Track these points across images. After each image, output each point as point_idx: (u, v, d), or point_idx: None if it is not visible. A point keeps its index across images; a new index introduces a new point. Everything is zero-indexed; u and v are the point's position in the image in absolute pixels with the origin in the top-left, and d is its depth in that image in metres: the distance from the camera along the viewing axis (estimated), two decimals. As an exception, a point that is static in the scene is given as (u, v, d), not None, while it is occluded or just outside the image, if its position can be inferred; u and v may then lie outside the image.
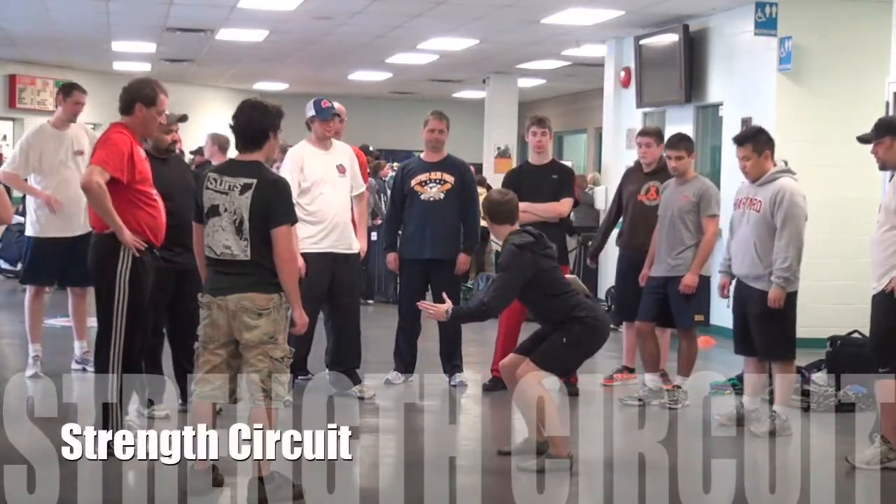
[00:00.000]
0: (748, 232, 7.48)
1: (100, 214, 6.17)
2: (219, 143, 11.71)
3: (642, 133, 9.18)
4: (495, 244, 17.00)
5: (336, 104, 8.93)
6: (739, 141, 7.61)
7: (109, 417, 6.24)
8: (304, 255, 7.84)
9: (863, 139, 6.90)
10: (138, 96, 6.37)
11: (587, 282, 14.78)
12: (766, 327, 7.45)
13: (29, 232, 8.71)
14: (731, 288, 7.76)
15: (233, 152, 12.22)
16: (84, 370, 8.47)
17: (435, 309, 6.53)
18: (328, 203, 8.13)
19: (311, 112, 8.27)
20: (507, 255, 6.45)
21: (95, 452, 6.26)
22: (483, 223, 9.80)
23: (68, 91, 8.54)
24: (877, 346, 6.72)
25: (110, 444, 6.24)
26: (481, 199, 7.54)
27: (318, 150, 8.23)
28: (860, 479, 6.57)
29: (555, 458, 6.37)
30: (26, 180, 8.69)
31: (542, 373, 6.46)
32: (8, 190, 6.33)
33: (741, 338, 7.65)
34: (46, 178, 8.46)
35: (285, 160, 8.35)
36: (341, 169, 8.26)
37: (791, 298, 7.45)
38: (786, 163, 7.69)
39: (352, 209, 8.39)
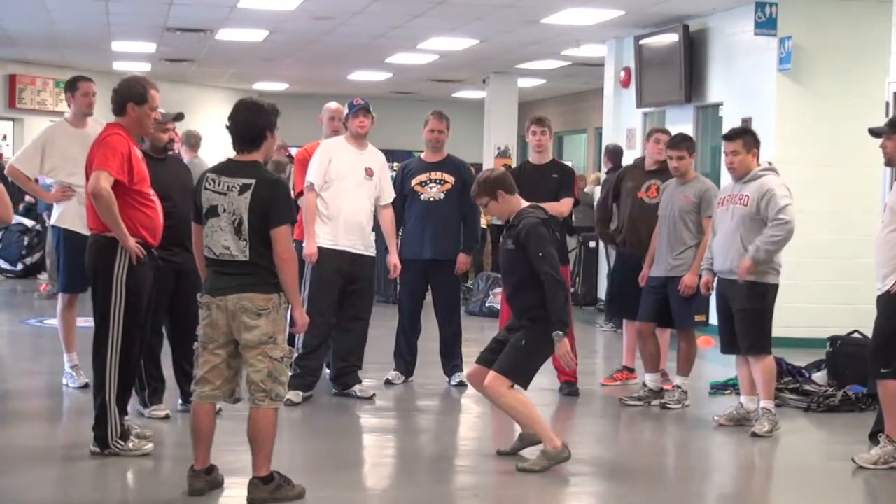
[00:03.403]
0: (733, 226, 7.51)
1: (106, 221, 6.14)
2: (188, 141, 11.65)
3: (661, 130, 9.19)
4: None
5: (334, 104, 8.97)
6: (730, 136, 7.68)
7: (107, 418, 6.24)
8: (319, 248, 7.90)
9: (874, 132, 6.91)
10: (129, 95, 6.36)
11: (587, 282, 14.83)
12: (749, 321, 7.46)
13: (57, 222, 8.17)
14: (714, 284, 7.81)
15: (209, 150, 12.31)
16: None
17: (565, 354, 6.45)
18: (346, 201, 8.15)
19: (345, 111, 8.39)
20: (534, 229, 6.41)
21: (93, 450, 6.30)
22: (483, 224, 9.83)
23: (73, 85, 8.30)
24: (879, 346, 6.71)
25: (106, 443, 6.26)
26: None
27: (351, 148, 8.27)
28: (866, 479, 6.56)
29: (550, 452, 6.37)
30: (37, 180, 8.45)
31: (507, 382, 6.45)
32: (7, 187, 6.22)
33: (727, 337, 7.66)
34: (68, 179, 8.06)
35: (317, 150, 8.35)
36: (369, 172, 8.29)
37: (772, 293, 7.48)
38: (770, 163, 7.72)
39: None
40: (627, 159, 13.59)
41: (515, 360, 6.44)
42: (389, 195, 8.47)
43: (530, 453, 6.53)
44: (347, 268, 8.12)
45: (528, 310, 6.46)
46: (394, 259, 8.48)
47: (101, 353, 6.22)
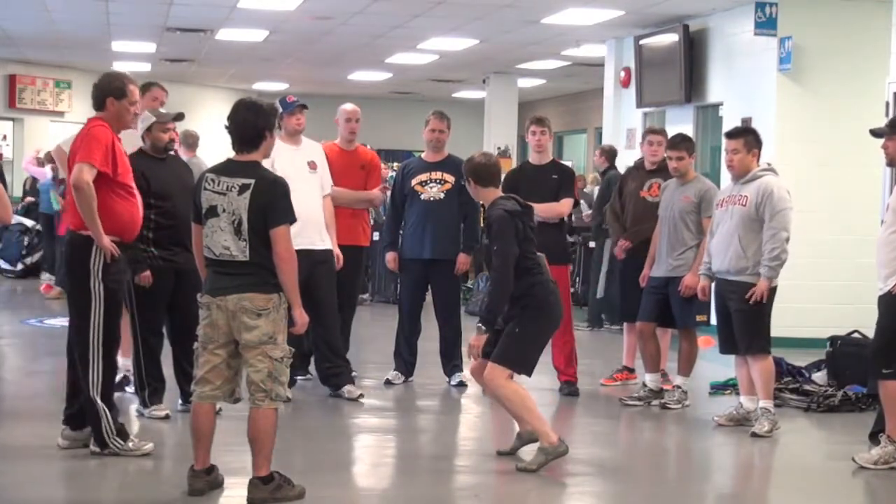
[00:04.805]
0: (732, 226, 7.51)
1: (83, 214, 6.14)
2: (185, 141, 11.61)
3: (654, 131, 9.21)
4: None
5: (350, 105, 8.93)
6: (732, 134, 7.69)
7: (98, 417, 6.21)
8: None
9: (876, 132, 6.91)
10: (108, 90, 6.38)
11: (587, 282, 14.80)
12: (748, 321, 7.46)
13: None
14: (712, 289, 7.80)
15: (205, 150, 12.31)
16: (123, 391, 7.96)
17: (475, 343, 6.46)
18: (299, 200, 8.05)
19: (279, 109, 8.28)
20: (498, 221, 6.39)
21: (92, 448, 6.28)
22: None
23: (147, 87, 8.09)
24: (880, 347, 6.69)
25: (105, 442, 6.24)
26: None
27: (289, 146, 8.18)
28: (866, 479, 6.56)
29: (547, 447, 6.37)
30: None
31: (505, 371, 6.44)
32: (5, 186, 6.24)
33: (725, 337, 7.65)
34: None
35: None
36: (312, 165, 8.21)
37: (771, 293, 7.46)
38: (769, 164, 7.73)
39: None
40: (626, 160, 13.59)
41: (510, 348, 6.43)
42: (328, 186, 8.36)
43: (529, 452, 6.53)
44: (308, 265, 8.04)
45: (520, 298, 6.46)
46: (337, 250, 8.30)
47: (84, 351, 6.21)
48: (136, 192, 6.46)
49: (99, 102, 6.40)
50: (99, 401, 6.20)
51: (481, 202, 6.74)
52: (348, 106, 8.94)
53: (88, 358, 6.21)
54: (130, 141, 7.39)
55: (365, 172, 8.85)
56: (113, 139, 6.26)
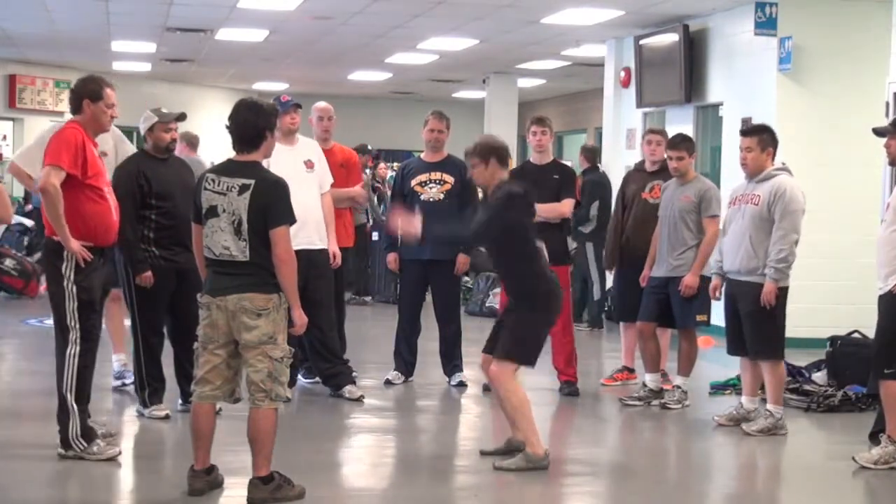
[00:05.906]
0: (743, 225, 7.47)
1: (50, 218, 6.12)
2: (187, 140, 11.63)
3: (653, 131, 9.22)
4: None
5: (322, 103, 8.91)
6: (746, 132, 7.64)
7: (68, 416, 6.19)
8: None
9: (878, 131, 6.89)
10: (84, 93, 6.38)
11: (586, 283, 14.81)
12: (757, 324, 7.42)
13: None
14: (723, 289, 7.78)
15: (207, 150, 12.31)
16: (123, 385, 8.13)
17: (408, 226, 6.60)
18: (297, 200, 8.02)
19: (279, 110, 8.26)
20: (503, 195, 6.38)
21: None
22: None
23: None
24: (881, 347, 6.69)
25: (68, 442, 6.22)
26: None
27: (283, 146, 8.08)
28: (866, 479, 6.56)
29: (531, 455, 6.36)
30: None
31: (512, 367, 6.45)
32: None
33: (733, 338, 7.63)
34: None
35: None
36: (309, 164, 8.18)
37: (782, 295, 7.43)
38: (783, 164, 7.71)
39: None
40: (628, 160, 13.59)
41: (510, 341, 6.44)
42: (328, 183, 8.35)
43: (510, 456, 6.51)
44: (305, 265, 8.00)
45: (516, 288, 6.47)
46: (333, 247, 8.27)
47: (61, 353, 6.21)
48: (110, 195, 6.39)
49: (75, 105, 6.39)
50: (70, 400, 6.17)
51: (488, 182, 6.60)
52: (320, 104, 8.91)
53: (65, 360, 6.19)
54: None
55: (345, 171, 8.81)
56: (84, 141, 6.21)
